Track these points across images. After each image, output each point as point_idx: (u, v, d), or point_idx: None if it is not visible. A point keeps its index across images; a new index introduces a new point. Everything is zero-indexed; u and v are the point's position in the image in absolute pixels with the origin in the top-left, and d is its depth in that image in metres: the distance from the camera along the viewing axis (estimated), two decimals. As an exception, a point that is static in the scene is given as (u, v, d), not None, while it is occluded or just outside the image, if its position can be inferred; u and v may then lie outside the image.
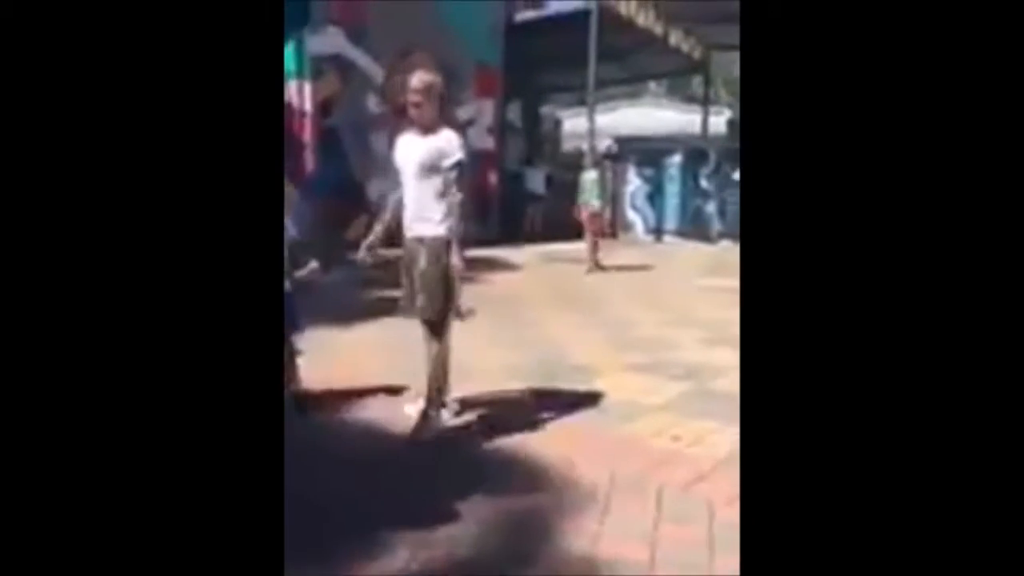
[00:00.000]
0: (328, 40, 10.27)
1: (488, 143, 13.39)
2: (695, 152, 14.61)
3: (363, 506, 2.41)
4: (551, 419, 3.27)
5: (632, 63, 17.27)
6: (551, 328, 5.54)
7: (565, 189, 13.49)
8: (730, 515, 2.23)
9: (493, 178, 13.46)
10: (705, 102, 19.20)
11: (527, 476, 2.69)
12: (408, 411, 3.24)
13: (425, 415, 3.05)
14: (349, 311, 5.56)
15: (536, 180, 14.87)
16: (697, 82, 25.91)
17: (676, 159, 14.55)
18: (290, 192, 3.28)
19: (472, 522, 2.29)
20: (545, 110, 20.96)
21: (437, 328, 3.05)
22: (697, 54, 17.88)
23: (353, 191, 10.38)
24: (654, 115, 22.62)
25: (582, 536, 2.21)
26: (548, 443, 2.98)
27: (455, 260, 2.98)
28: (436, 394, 3.08)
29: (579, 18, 13.55)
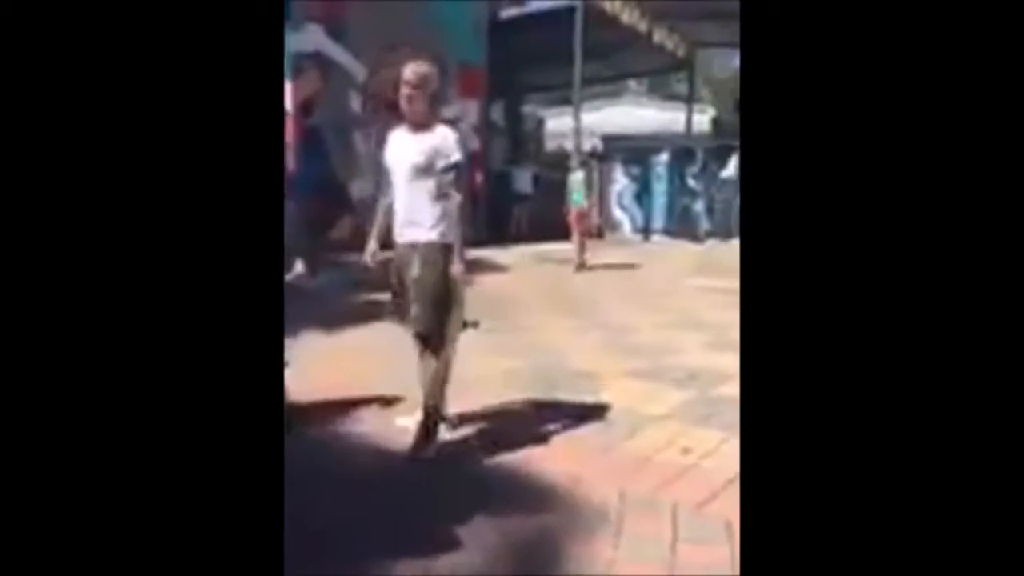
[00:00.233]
0: (308, 37, 10.03)
1: (473, 143, 13.21)
2: (682, 151, 14.54)
3: (358, 529, 2.24)
4: (554, 432, 3.11)
5: (616, 61, 17.19)
6: (547, 333, 5.38)
7: (551, 189, 13.38)
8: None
9: (479, 178, 13.29)
10: (689, 100, 19.17)
11: (532, 495, 2.53)
12: (402, 424, 3.06)
13: (423, 432, 2.86)
14: (337, 316, 5.37)
15: (523, 180, 14.73)
16: (677, 80, 26.00)
17: (663, 158, 14.47)
18: None
19: (476, 547, 2.13)
20: (527, 109, 20.84)
21: (433, 341, 2.84)
22: (681, 52, 17.85)
23: (336, 191, 10.14)
24: (637, 114, 22.58)
25: (596, 561, 2.06)
26: (552, 458, 2.82)
27: (456, 268, 2.78)
28: (434, 411, 2.90)
29: (563, 15, 13.44)
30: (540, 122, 21.92)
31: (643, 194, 14.65)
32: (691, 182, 14.21)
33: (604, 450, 2.93)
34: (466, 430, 3.09)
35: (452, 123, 2.86)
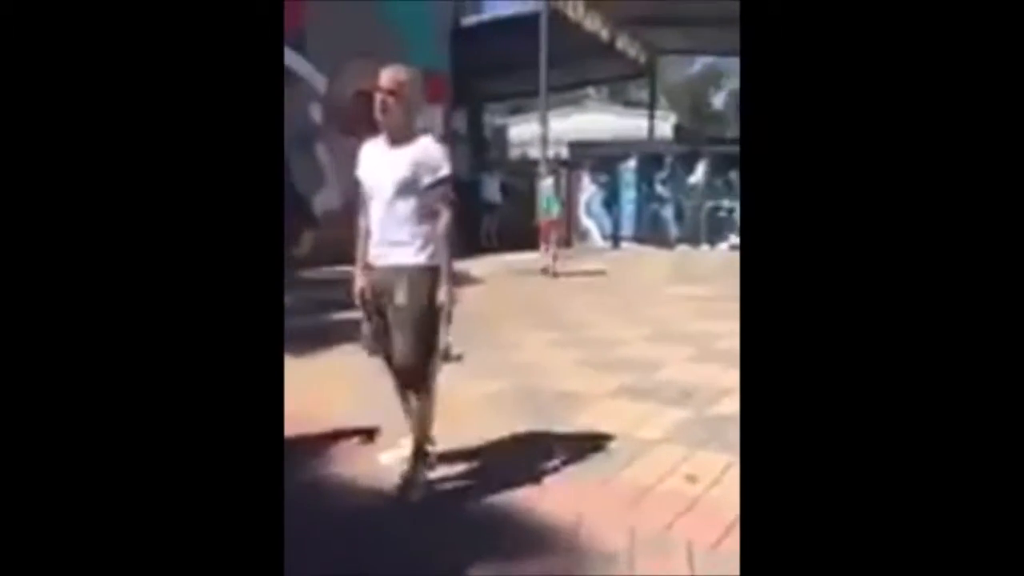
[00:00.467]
0: (266, 47, 9.69)
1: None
2: (649, 157, 14.50)
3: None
4: (548, 465, 2.88)
5: (578, 68, 17.15)
6: (528, 350, 5.16)
7: (518, 197, 13.24)
8: None
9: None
10: (651, 107, 19.23)
11: (532, 537, 2.31)
12: (384, 460, 2.81)
13: (411, 472, 2.61)
14: (303, 339, 5.07)
15: (491, 189, 14.53)
16: (635, 88, 26.19)
17: (631, 164, 14.42)
18: None
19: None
20: (486, 117, 20.69)
21: (418, 374, 2.56)
22: (643, 59, 17.90)
23: (297, 205, 9.82)
24: (599, 121, 22.60)
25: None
26: (549, 495, 2.60)
27: (443, 296, 2.51)
28: (421, 450, 2.64)
29: (524, 23, 13.33)
30: (502, 130, 21.79)
31: (611, 201, 14.57)
32: (659, 188, 14.18)
33: (604, 482, 2.72)
34: (456, 467, 2.84)
35: (424, 133, 2.58)
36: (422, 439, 2.64)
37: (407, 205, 2.51)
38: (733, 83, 33.47)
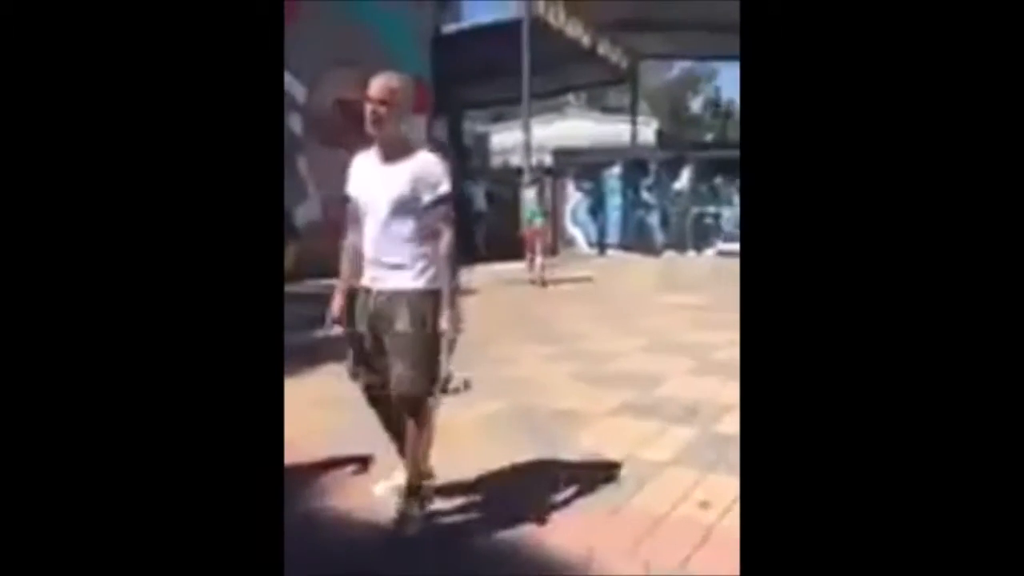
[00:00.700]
0: (244, 57, 9.51)
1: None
2: (633, 164, 14.43)
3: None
4: (552, 494, 2.73)
5: (559, 75, 17.08)
6: (523, 365, 5.02)
7: (501, 205, 13.12)
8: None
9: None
10: (633, 112, 19.22)
11: (541, 573, 2.17)
12: (378, 492, 2.65)
13: (410, 506, 2.45)
14: (292, 357, 4.89)
15: (477, 197, 14.39)
16: (614, 93, 26.18)
17: (615, 171, 14.35)
18: None
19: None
20: (467, 125, 20.57)
21: (418, 405, 2.39)
22: (624, 64, 17.88)
23: (280, 219, 9.64)
24: (580, 127, 22.56)
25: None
26: (556, 527, 2.45)
27: (445, 323, 2.33)
28: (419, 486, 2.48)
29: (505, 30, 13.25)
30: (484, 138, 21.68)
31: (597, 208, 14.48)
32: (645, 195, 14.13)
33: (613, 511, 2.58)
34: (455, 499, 2.68)
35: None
36: (419, 473, 2.48)
37: (405, 225, 2.34)
38: (710, 87, 33.72)
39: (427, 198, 2.34)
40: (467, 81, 15.61)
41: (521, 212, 10.46)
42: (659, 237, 13.92)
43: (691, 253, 13.60)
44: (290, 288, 8.18)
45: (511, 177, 14.35)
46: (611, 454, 3.13)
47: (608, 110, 26.60)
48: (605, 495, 2.71)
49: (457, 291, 2.38)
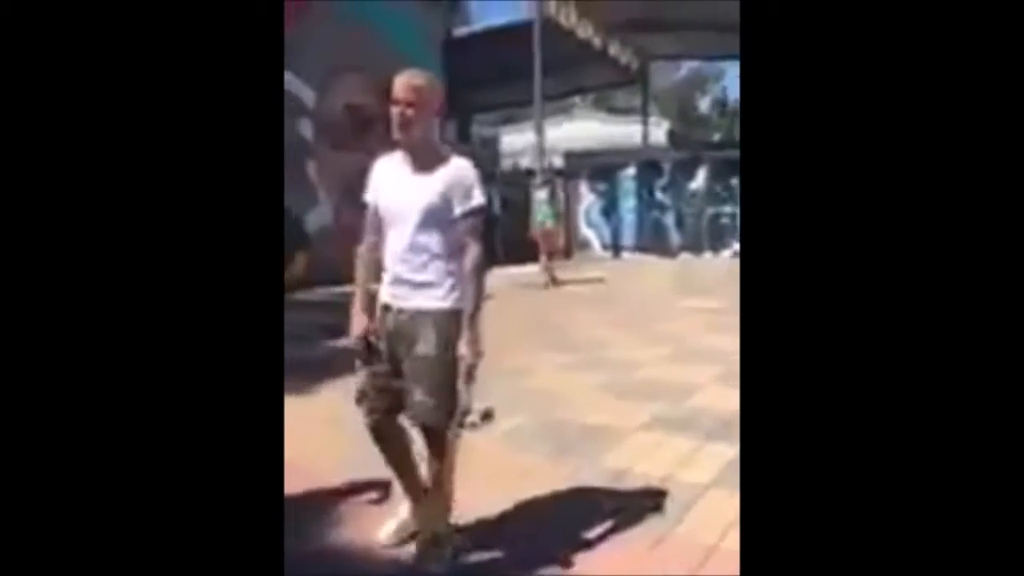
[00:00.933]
0: (252, 62, 9.35)
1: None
2: (647, 164, 14.17)
3: None
4: (589, 525, 2.50)
5: (569, 77, 16.88)
6: (542, 375, 4.80)
7: (513, 208, 12.91)
8: None
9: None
10: (644, 113, 18.97)
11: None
12: (384, 537, 2.35)
13: (428, 552, 2.21)
14: (300, 375, 4.68)
15: (493, 202, 14.17)
16: (622, 95, 25.94)
17: (629, 172, 14.08)
18: None
19: None
20: (475, 128, 20.37)
21: (440, 435, 2.16)
22: (635, 65, 17.66)
23: (289, 225, 9.45)
24: (589, 128, 22.30)
25: None
26: (596, 564, 2.23)
27: (465, 348, 2.09)
28: (442, 525, 2.25)
29: (516, 32, 13.08)
30: (493, 140, 21.48)
31: (610, 210, 14.23)
32: (659, 196, 13.86)
33: (656, 542, 2.36)
34: (478, 533, 2.45)
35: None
36: (439, 513, 2.24)
37: (434, 238, 2.12)
38: (717, 87, 33.46)
39: (458, 209, 2.11)
40: (478, 84, 15.42)
41: (532, 214, 10.28)
42: (675, 239, 13.64)
43: (707, 254, 13.34)
44: (300, 296, 8.04)
45: (522, 179, 14.13)
46: (648, 475, 2.91)
47: (615, 111, 26.37)
48: (648, 525, 2.48)
49: (479, 312, 2.15)
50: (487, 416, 2.13)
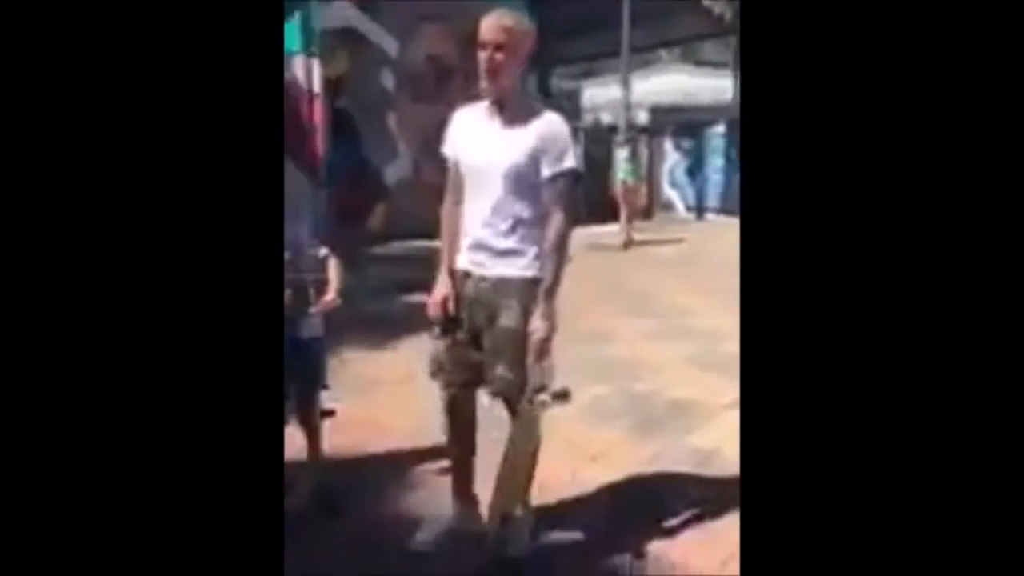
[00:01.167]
0: (336, 12, 9.26)
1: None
2: (738, 122, 13.47)
3: None
4: (677, 509, 2.34)
5: (659, 27, 16.11)
6: (624, 342, 4.62)
7: (592, 165, 12.56)
8: None
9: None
10: (736, 68, 18.03)
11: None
12: (420, 543, 2.13)
13: (505, 532, 2.07)
14: (380, 326, 4.64)
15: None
16: (711, 47, 24.69)
17: (718, 130, 13.40)
18: (301, 182, 2.41)
19: None
20: (554, 81, 19.80)
21: (522, 411, 2.00)
22: (728, 16, 16.74)
23: (370, 177, 9.45)
24: (675, 82, 21.35)
25: None
26: (681, 558, 2.08)
27: (538, 322, 1.91)
28: (520, 506, 2.10)
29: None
30: (575, 94, 20.91)
31: (696, 170, 13.64)
32: (749, 155, 13.18)
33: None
34: (559, 532, 2.27)
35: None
36: (518, 493, 2.09)
37: (522, 202, 1.94)
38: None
39: (547, 171, 1.92)
40: (561, 34, 14.94)
41: (613, 172, 9.95)
42: (763, 201, 13.00)
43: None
44: (378, 250, 8.04)
45: (603, 135, 13.70)
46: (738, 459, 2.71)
47: (704, 64, 25.19)
48: (735, 515, 2.30)
49: (557, 286, 1.96)
50: (562, 396, 1.96)
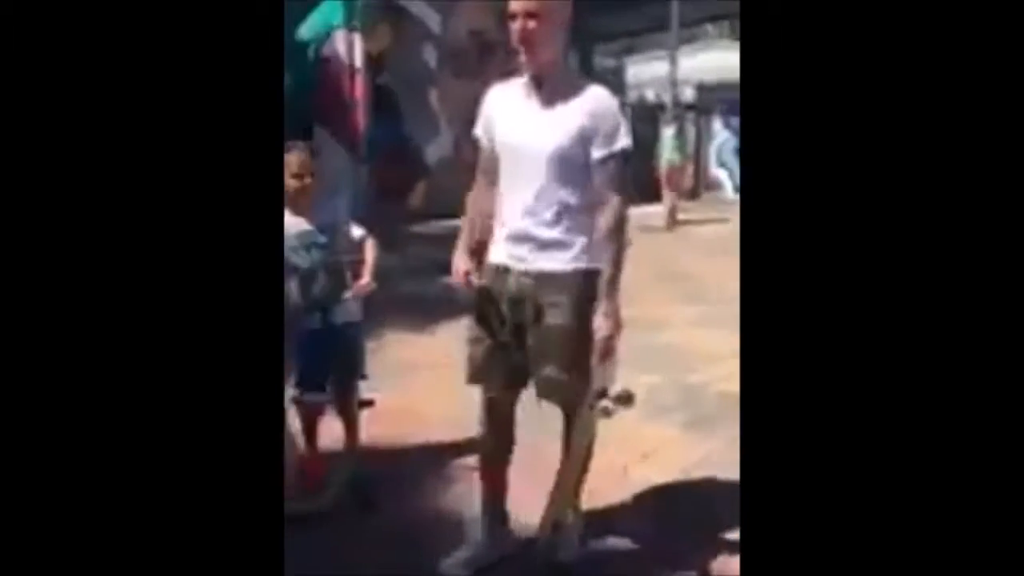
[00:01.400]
0: (378, -14, 9.13)
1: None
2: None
3: None
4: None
5: (705, 1, 15.58)
6: (674, 329, 4.43)
7: (638, 143, 12.26)
8: None
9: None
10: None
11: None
12: (450, 567, 1.92)
13: (554, 538, 1.91)
14: (420, 308, 4.53)
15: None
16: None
17: (768, 107, 12.97)
18: (341, 156, 2.39)
19: None
20: (596, 58, 19.36)
21: (573, 416, 1.83)
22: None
23: (411, 155, 9.34)
24: (722, 59, 20.69)
25: None
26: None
27: (601, 320, 1.74)
28: (570, 512, 1.94)
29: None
30: (618, 71, 20.44)
31: (745, 149, 13.25)
32: (802, 134, 12.74)
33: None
34: (607, 540, 2.11)
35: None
36: (568, 498, 1.92)
37: (568, 188, 1.75)
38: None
39: (598, 153, 1.73)
40: (602, 9, 14.54)
41: (658, 151, 9.66)
42: (815, 182, 12.57)
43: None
44: (418, 228, 7.91)
45: (648, 113, 13.34)
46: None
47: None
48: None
49: (619, 277, 1.78)
50: (625, 399, 1.77)
